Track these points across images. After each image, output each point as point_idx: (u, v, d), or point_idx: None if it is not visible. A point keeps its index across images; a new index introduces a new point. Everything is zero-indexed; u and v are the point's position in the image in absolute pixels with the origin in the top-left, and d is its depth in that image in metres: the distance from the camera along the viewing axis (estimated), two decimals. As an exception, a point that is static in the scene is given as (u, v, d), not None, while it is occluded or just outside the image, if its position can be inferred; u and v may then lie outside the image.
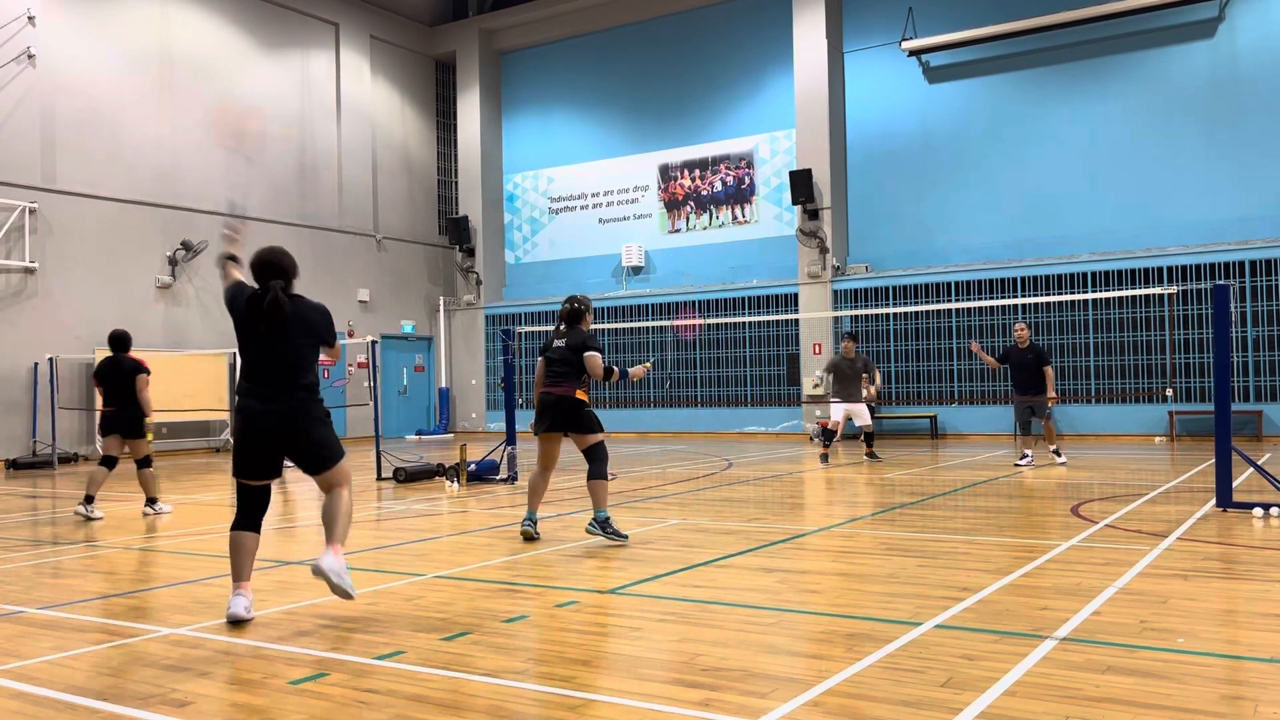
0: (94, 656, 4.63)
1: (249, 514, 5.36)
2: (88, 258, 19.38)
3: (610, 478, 8.38)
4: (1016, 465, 13.17)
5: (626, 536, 7.48)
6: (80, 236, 19.28)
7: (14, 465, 17.30)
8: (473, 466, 12.55)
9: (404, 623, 5.14)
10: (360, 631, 4.98)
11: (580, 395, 7.57)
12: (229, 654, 4.61)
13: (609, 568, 6.58)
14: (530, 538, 7.64)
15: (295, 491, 12.27)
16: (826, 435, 14.59)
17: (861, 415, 14.36)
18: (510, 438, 12.61)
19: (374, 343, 14.72)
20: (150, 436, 10.12)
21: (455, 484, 12.22)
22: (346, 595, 5.08)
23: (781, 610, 5.28)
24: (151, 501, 10.15)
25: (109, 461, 10.01)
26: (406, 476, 12.72)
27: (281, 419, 5.22)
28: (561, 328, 7.86)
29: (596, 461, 7.53)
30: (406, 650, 4.59)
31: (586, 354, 7.54)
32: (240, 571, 5.27)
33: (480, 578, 6.33)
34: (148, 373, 10.13)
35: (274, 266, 5.33)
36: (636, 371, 7.94)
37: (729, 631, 4.82)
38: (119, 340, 10.19)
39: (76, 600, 5.96)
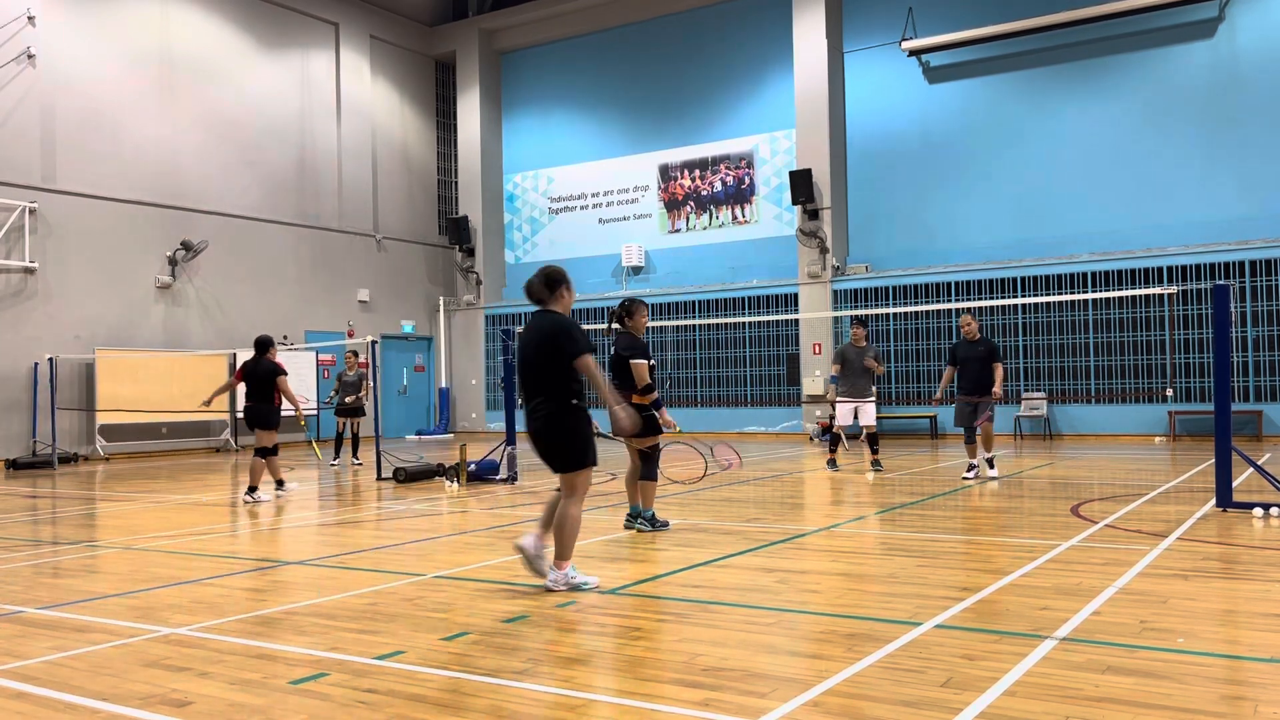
0: (94, 656, 4.63)
1: None
2: (88, 258, 19.37)
3: (611, 478, 8.44)
4: (964, 478, 11.58)
5: (668, 524, 8.20)
6: (80, 236, 19.28)
7: (14, 465, 17.30)
8: (473, 466, 12.55)
9: (404, 623, 5.14)
10: (360, 631, 4.98)
11: (636, 400, 7.78)
12: (229, 654, 4.61)
13: (609, 568, 6.58)
14: (642, 531, 8.01)
15: (290, 492, 12.27)
16: (834, 440, 13.66)
17: (867, 414, 12.74)
18: (510, 438, 12.61)
19: (374, 343, 14.72)
20: (304, 424, 12.07)
21: (455, 484, 12.22)
22: (540, 575, 5.78)
23: (781, 610, 5.28)
24: (251, 490, 11.24)
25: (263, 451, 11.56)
26: (406, 476, 12.72)
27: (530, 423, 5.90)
28: (615, 328, 8.20)
29: (647, 463, 8.01)
30: (406, 650, 4.59)
31: (632, 362, 7.89)
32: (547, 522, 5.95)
33: (480, 578, 6.33)
34: (285, 374, 11.59)
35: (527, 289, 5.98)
36: (668, 419, 8.09)
37: (729, 631, 4.82)
38: (263, 345, 11.60)
39: (76, 600, 5.96)
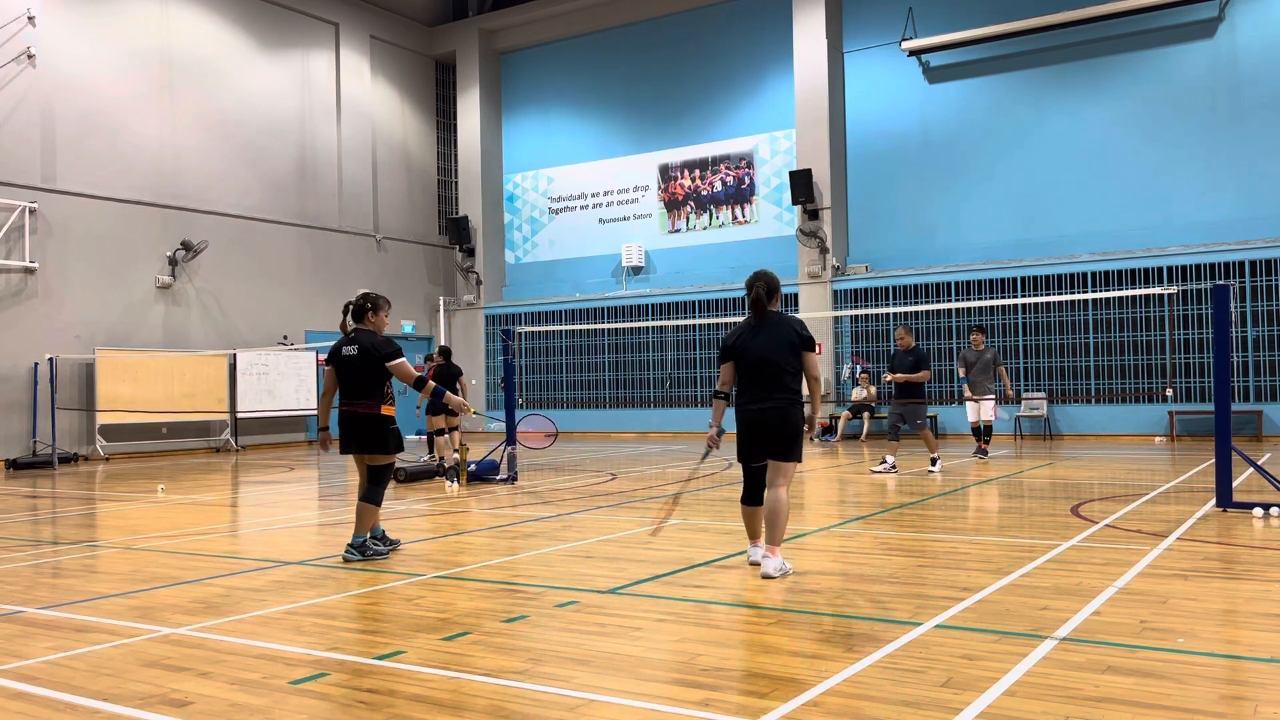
0: (94, 656, 4.63)
1: (750, 490, 6.41)
2: (88, 258, 19.37)
3: (612, 478, 8.37)
4: (874, 471, 13.06)
5: (398, 542, 7.39)
6: (80, 236, 19.27)
7: (14, 465, 17.30)
8: (473, 466, 12.55)
9: (404, 623, 5.14)
10: (360, 631, 4.98)
11: (385, 411, 7.07)
12: (229, 654, 4.61)
13: (609, 568, 6.58)
14: (350, 561, 6.94)
15: (288, 491, 12.27)
16: (978, 432, 15.00)
17: (986, 409, 14.63)
18: (510, 438, 12.61)
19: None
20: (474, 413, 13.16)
21: (455, 484, 12.22)
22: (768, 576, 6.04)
23: (781, 610, 5.28)
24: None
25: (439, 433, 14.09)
26: (406, 476, 12.71)
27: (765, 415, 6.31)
28: (350, 328, 7.16)
29: (377, 484, 7.08)
30: (406, 650, 4.59)
31: (390, 362, 7.03)
32: (753, 531, 6.40)
33: (480, 578, 6.34)
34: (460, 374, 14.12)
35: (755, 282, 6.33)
36: (456, 401, 7.49)
37: (729, 631, 4.82)
38: (446, 351, 14.71)
39: (76, 600, 5.96)
